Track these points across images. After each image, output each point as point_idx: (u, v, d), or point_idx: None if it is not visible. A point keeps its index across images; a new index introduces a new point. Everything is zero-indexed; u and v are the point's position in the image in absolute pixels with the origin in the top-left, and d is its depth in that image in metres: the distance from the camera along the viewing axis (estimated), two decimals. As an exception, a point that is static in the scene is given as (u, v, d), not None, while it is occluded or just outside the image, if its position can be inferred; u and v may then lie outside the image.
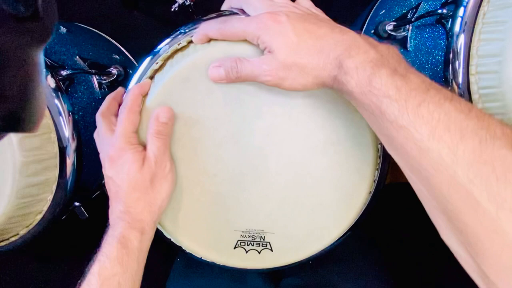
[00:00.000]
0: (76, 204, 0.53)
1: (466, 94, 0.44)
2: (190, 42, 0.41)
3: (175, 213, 0.45)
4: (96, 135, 0.44)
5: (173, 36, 0.42)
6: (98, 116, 0.43)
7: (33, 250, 0.95)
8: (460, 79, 0.44)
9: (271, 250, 0.47)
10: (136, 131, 0.41)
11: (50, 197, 0.50)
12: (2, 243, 0.52)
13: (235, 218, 0.46)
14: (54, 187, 0.49)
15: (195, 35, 0.39)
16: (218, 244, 0.47)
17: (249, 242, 0.47)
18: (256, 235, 0.47)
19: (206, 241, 0.47)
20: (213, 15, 0.41)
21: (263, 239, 0.47)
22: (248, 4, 0.38)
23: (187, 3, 0.74)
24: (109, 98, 0.45)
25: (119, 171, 0.40)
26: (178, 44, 0.41)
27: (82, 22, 0.73)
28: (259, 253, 0.47)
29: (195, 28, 0.40)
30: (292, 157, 0.43)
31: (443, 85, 0.30)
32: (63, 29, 0.60)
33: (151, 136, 0.40)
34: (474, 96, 0.44)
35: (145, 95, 0.42)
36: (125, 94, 0.44)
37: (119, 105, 0.44)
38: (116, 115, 0.43)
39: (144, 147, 0.41)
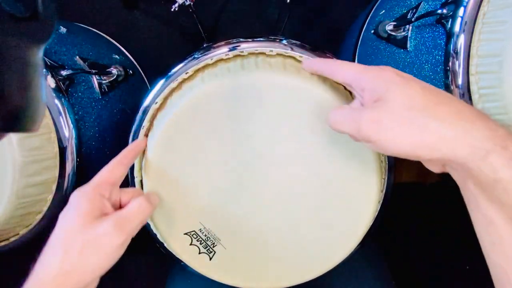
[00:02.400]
0: (76, 204, 0.53)
1: (466, 94, 0.44)
2: (196, 71, 0.42)
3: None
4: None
5: (187, 60, 0.43)
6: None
7: (33, 250, 0.95)
8: (460, 79, 0.44)
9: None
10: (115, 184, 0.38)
11: (50, 197, 0.50)
12: (2, 243, 0.52)
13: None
14: (54, 187, 0.49)
15: (305, 64, 0.38)
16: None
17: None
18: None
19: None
20: (222, 42, 0.42)
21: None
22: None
23: (187, 3, 0.74)
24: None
25: (64, 213, 0.33)
26: (186, 73, 0.42)
27: (82, 22, 0.73)
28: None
29: (206, 55, 0.41)
30: (293, 174, 0.42)
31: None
32: (63, 29, 0.60)
33: (139, 205, 0.34)
34: (474, 96, 0.44)
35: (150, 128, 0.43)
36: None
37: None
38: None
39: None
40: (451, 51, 0.44)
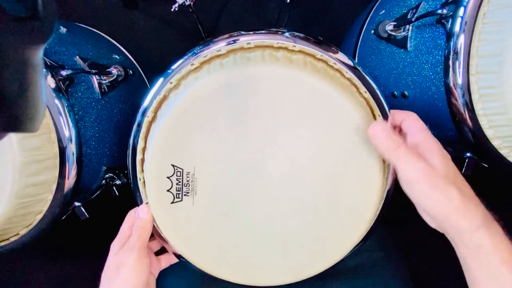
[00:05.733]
0: (76, 204, 0.53)
1: (466, 94, 0.44)
2: (203, 63, 0.42)
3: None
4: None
5: (186, 57, 0.42)
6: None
7: (33, 250, 0.95)
8: (460, 79, 0.44)
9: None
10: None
11: (50, 197, 0.49)
12: (2, 243, 0.52)
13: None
14: (54, 187, 0.49)
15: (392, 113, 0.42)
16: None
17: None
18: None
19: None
20: (225, 36, 0.42)
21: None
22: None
23: (187, 3, 0.74)
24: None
25: None
26: (191, 65, 0.42)
27: (82, 22, 0.73)
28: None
29: (208, 49, 0.42)
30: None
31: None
32: (63, 29, 0.60)
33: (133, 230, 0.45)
34: (474, 96, 0.44)
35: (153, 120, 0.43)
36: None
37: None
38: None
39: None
40: (451, 51, 0.44)
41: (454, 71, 0.44)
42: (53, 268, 0.95)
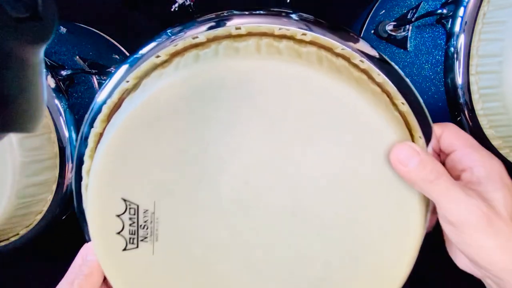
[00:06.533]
0: (76, 204, 0.53)
1: (466, 94, 0.44)
2: (174, 55, 0.31)
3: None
4: None
5: (158, 40, 0.34)
6: None
7: (33, 250, 0.95)
8: (460, 79, 0.44)
9: None
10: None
11: (50, 197, 0.50)
12: (2, 243, 0.52)
13: None
14: (54, 187, 0.49)
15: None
16: None
17: None
18: None
19: None
20: (212, 15, 0.34)
21: None
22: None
23: (187, 3, 0.74)
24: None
25: None
26: (157, 57, 0.31)
27: (82, 22, 0.73)
28: None
29: (193, 29, 0.32)
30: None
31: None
32: (63, 29, 0.60)
33: None
34: (474, 96, 0.44)
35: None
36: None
37: None
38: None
39: None
40: (451, 51, 0.44)
41: (454, 71, 0.44)
42: (53, 268, 0.95)
